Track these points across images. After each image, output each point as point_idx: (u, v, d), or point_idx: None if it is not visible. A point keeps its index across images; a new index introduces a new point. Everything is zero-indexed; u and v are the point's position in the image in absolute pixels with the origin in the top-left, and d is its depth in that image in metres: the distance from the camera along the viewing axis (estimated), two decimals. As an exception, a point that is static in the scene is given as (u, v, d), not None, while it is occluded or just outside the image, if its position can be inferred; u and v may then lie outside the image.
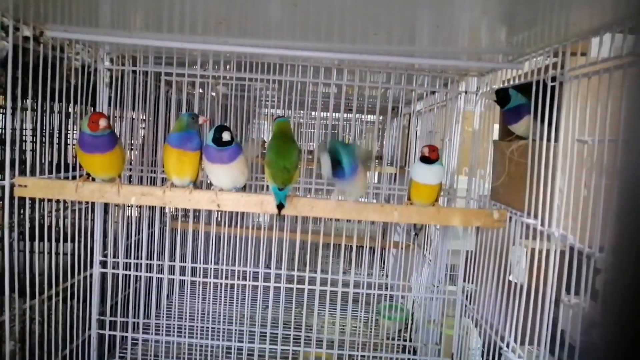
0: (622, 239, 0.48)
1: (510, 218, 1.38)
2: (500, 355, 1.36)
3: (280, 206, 1.33)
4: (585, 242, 1.01)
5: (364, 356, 1.82)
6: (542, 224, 1.19)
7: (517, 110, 1.39)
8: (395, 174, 2.45)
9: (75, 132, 1.96)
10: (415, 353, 1.93)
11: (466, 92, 1.74)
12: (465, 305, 1.71)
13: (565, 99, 1.12)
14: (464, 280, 1.71)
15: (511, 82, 1.51)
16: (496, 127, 1.67)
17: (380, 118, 3.26)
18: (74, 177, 1.57)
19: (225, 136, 1.34)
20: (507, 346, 1.31)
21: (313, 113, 3.10)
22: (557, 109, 1.15)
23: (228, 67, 1.76)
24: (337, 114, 3.16)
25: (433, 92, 1.99)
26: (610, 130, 0.96)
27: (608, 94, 0.98)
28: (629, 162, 0.48)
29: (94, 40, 1.47)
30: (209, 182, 1.44)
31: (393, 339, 2.08)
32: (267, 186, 2.20)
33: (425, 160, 1.38)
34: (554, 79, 1.17)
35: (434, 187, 1.39)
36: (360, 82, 1.77)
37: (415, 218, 1.43)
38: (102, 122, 1.30)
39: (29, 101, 1.52)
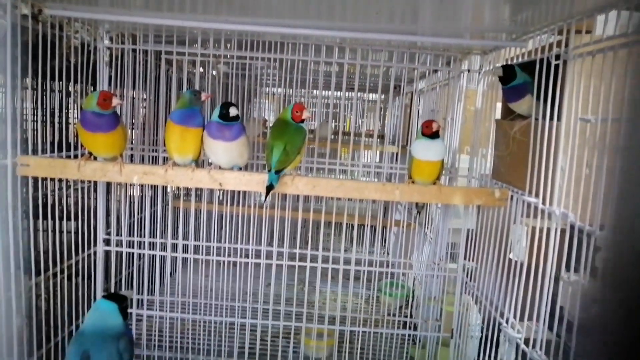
0: (622, 216, 0.48)
1: (512, 197, 1.38)
2: (499, 331, 1.38)
3: (269, 187, 1.33)
4: (586, 221, 1.02)
5: (365, 332, 1.85)
6: (544, 203, 1.20)
7: (519, 88, 1.38)
8: (397, 153, 2.45)
9: (76, 111, 1.96)
10: (415, 329, 1.96)
11: (469, 71, 1.73)
12: (466, 283, 1.73)
13: (568, 77, 1.12)
14: (465, 258, 1.72)
15: (514, 61, 1.50)
16: (499, 105, 1.66)
17: (382, 97, 3.24)
18: (75, 156, 1.57)
19: (233, 111, 1.34)
20: (507, 322, 1.33)
21: (315, 92, 3.08)
22: (560, 87, 1.14)
23: (229, 45, 1.74)
24: (338, 93, 3.15)
25: (435, 71, 1.98)
26: (613, 109, 0.96)
27: (612, 73, 0.97)
28: (632, 140, 0.48)
29: (93, 19, 1.46)
30: (210, 162, 1.44)
31: (394, 315, 2.11)
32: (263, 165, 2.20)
33: (427, 135, 1.38)
34: (557, 57, 1.16)
35: (436, 163, 1.40)
36: (362, 60, 1.76)
37: (416, 197, 1.43)
38: (115, 100, 1.30)
39: (29, 80, 1.52)
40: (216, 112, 1.37)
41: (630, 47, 0.93)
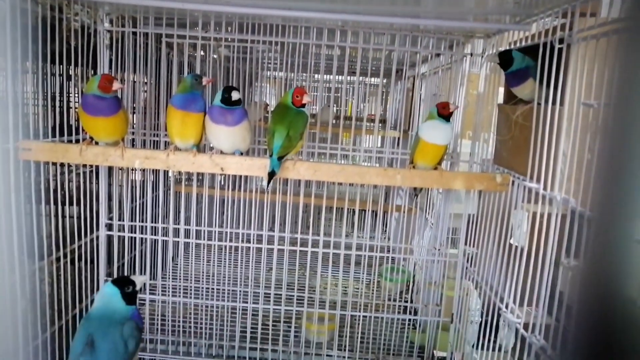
0: (601, 197, 0.48)
1: (513, 182, 1.38)
2: (499, 316, 1.39)
3: (271, 174, 1.32)
4: (587, 206, 1.02)
5: (365, 317, 1.86)
6: (545, 188, 1.20)
7: (520, 73, 1.37)
8: (399, 138, 2.44)
9: (77, 94, 1.95)
10: (416, 314, 1.98)
11: (472, 55, 1.71)
12: (466, 268, 1.74)
13: (572, 61, 1.10)
14: (466, 244, 1.73)
15: (518, 44, 1.48)
16: (501, 90, 1.65)
17: (384, 81, 3.22)
18: (77, 141, 1.57)
19: (235, 95, 1.33)
20: (506, 307, 1.34)
21: (316, 76, 3.06)
22: (563, 71, 1.13)
23: (230, 28, 1.73)
24: (340, 77, 3.13)
25: (438, 55, 1.96)
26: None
27: (616, 56, 0.96)
28: (615, 125, 0.48)
29: (93, 0, 1.44)
30: (211, 146, 1.44)
31: (394, 300, 2.13)
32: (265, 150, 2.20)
33: (443, 116, 1.38)
34: (561, 40, 1.15)
35: (442, 147, 1.39)
36: (364, 44, 1.74)
37: (417, 182, 1.43)
38: (116, 84, 1.29)
39: (29, 63, 1.51)
40: (218, 96, 1.37)
41: (620, 33, 0.92)
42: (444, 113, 1.40)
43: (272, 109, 1.57)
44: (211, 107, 1.38)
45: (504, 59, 1.38)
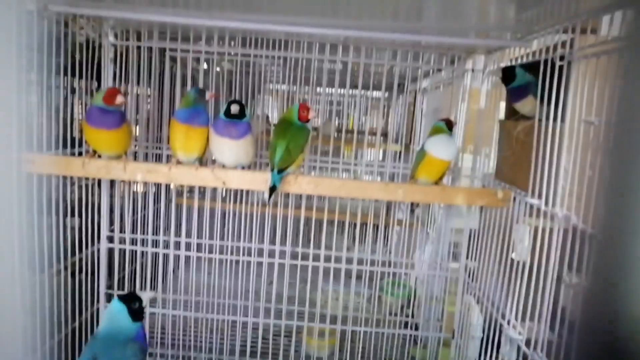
0: (604, 215, 0.49)
1: (514, 198, 1.38)
2: (500, 331, 1.38)
3: (272, 188, 1.32)
4: (589, 223, 1.02)
5: (366, 332, 1.85)
6: (546, 204, 1.20)
7: (522, 88, 1.38)
8: (400, 152, 2.45)
9: (80, 107, 1.96)
10: (417, 329, 1.96)
11: (473, 70, 1.72)
12: (468, 283, 1.73)
13: (573, 78, 1.11)
14: (467, 258, 1.72)
15: (519, 61, 1.49)
16: (502, 105, 1.66)
17: (386, 94, 3.24)
18: (80, 153, 1.58)
19: (234, 108, 1.34)
20: (508, 323, 1.33)
21: (318, 89, 3.08)
22: (564, 88, 1.14)
23: (233, 43, 1.74)
24: (342, 90, 3.14)
25: (439, 70, 1.97)
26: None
27: (617, 74, 0.97)
28: (618, 143, 0.49)
29: (98, 15, 1.46)
30: (213, 159, 1.45)
31: (395, 314, 2.12)
32: (266, 164, 2.21)
33: (450, 127, 1.39)
34: (562, 58, 1.16)
35: (448, 163, 1.40)
36: (366, 59, 1.75)
37: (419, 197, 1.43)
38: (119, 98, 1.30)
39: (33, 76, 1.52)
40: (223, 109, 1.38)
41: (624, 50, 0.92)
42: (451, 127, 1.40)
43: (273, 122, 1.58)
44: (217, 119, 1.38)
45: (507, 74, 1.39)
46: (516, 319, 1.30)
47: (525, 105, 1.38)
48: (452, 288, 1.83)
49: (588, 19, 1.10)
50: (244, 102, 2.12)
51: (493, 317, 1.46)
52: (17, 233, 1.28)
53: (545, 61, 1.23)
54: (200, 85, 1.91)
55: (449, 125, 1.41)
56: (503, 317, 1.37)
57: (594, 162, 1.01)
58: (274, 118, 3.21)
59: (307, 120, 1.39)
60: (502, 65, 1.55)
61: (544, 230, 1.18)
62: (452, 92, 1.83)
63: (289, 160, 1.33)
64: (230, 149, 1.37)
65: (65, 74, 1.51)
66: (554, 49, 1.22)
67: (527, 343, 1.22)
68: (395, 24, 1.39)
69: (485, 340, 1.51)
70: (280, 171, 1.32)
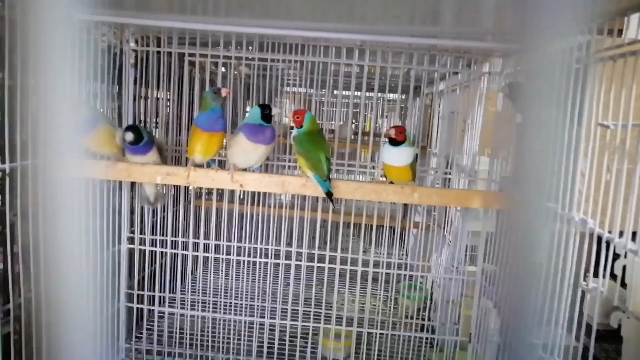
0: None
1: (531, 201, 1.37)
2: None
3: (329, 194, 1.36)
4: (605, 227, 1.01)
5: (382, 334, 1.85)
6: (563, 208, 1.19)
7: None
8: (417, 154, 2.44)
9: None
10: (433, 332, 1.96)
11: (490, 73, 1.72)
12: (485, 286, 1.72)
13: (589, 81, 1.10)
14: (484, 261, 1.71)
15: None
16: (520, 108, 1.65)
17: (403, 97, 3.23)
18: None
19: (269, 112, 1.38)
20: (525, 327, 1.32)
21: (335, 92, 3.09)
22: (581, 92, 1.13)
23: (250, 47, 1.77)
24: (358, 93, 3.15)
25: (456, 73, 1.97)
26: (634, 114, 0.95)
27: (634, 78, 0.96)
28: None
29: (119, 23, 1.50)
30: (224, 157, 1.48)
31: (412, 317, 2.11)
32: (288, 166, 2.22)
33: (392, 142, 1.38)
34: (578, 61, 1.15)
35: (404, 168, 1.39)
36: (383, 62, 1.76)
37: (435, 200, 1.44)
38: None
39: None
40: (255, 114, 1.40)
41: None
42: (386, 137, 1.39)
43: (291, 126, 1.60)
44: (246, 125, 1.40)
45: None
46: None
47: None
48: (469, 292, 1.82)
49: (605, 22, 1.09)
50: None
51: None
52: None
53: (562, 64, 1.22)
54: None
55: (386, 135, 1.39)
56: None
57: (612, 166, 1.01)
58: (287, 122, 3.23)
59: (300, 126, 1.42)
60: (520, 68, 1.54)
61: (560, 234, 1.17)
62: (468, 95, 1.82)
63: (330, 169, 1.38)
64: (258, 153, 1.41)
65: (88, 79, 1.56)
66: (571, 52, 1.21)
67: (544, 347, 1.22)
68: (412, 29, 1.39)
69: (502, 344, 1.51)
70: (330, 178, 1.36)
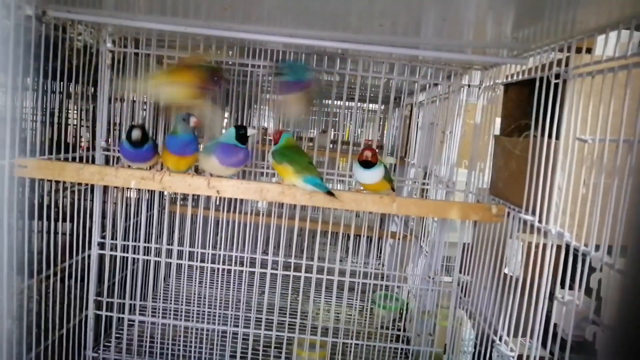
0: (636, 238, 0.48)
1: (508, 213, 1.38)
2: (492, 347, 1.37)
3: (331, 193, 1.34)
4: (582, 241, 1.02)
5: (357, 344, 1.84)
6: (540, 221, 1.20)
7: (290, 84, 1.45)
8: (395, 165, 2.45)
9: (75, 112, 1.95)
10: (408, 343, 1.95)
11: (469, 86, 1.74)
12: (460, 297, 1.72)
13: (568, 96, 1.12)
14: (460, 272, 1.72)
15: (515, 77, 1.51)
16: (498, 120, 1.67)
17: (382, 107, 3.25)
18: (73, 159, 1.57)
19: (246, 131, 1.35)
20: (500, 339, 1.33)
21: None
22: (559, 106, 1.15)
23: (231, 52, 1.74)
24: (339, 102, 3.15)
25: (436, 84, 1.99)
26: (611, 129, 0.96)
27: (611, 94, 0.98)
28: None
29: (96, 22, 1.46)
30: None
31: (387, 328, 2.10)
32: (265, 173, 2.20)
33: (364, 164, 1.38)
34: (557, 76, 1.17)
35: (377, 184, 1.41)
36: (364, 71, 1.76)
37: (414, 210, 1.43)
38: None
39: (29, 80, 1.52)
40: (231, 134, 1.36)
41: (630, 69, 0.93)
42: (359, 159, 1.39)
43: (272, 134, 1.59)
44: (220, 145, 1.36)
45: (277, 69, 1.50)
46: (508, 334, 1.30)
47: (291, 100, 1.46)
48: (444, 302, 1.83)
49: (583, 39, 1.11)
50: (240, 111, 2.13)
51: (485, 332, 1.45)
52: (7, 237, 1.27)
53: (541, 78, 1.24)
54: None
55: (359, 156, 1.40)
56: (495, 332, 1.37)
57: (588, 180, 1.02)
58: (270, 128, 3.20)
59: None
60: (498, 82, 1.56)
61: (537, 246, 1.18)
62: (448, 107, 1.84)
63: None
64: (230, 172, 1.39)
65: (62, 79, 1.51)
66: (550, 67, 1.23)
67: (519, 359, 1.22)
68: (393, 38, 1.40)
69: (477, 355, 1.51)
70: (320, 179, 1.36)
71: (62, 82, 1.64)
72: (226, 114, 2.26)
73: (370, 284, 1.89)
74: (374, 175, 1.40)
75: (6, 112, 1.26)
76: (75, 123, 1.90)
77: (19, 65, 1.25)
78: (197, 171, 1.51)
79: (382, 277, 2.54)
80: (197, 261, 1.85)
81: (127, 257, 1.81)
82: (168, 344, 1.83)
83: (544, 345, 1.15)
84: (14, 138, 1.29)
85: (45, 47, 1.37)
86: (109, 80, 1.69)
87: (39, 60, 1.36)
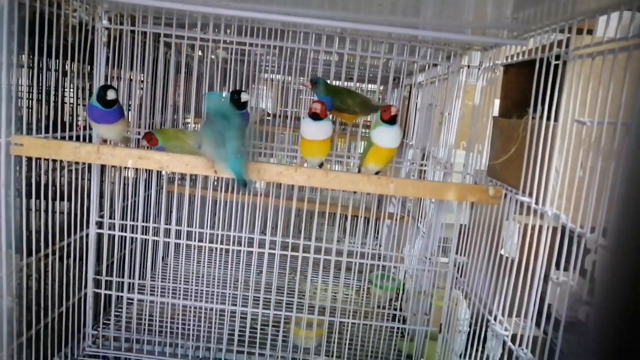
0: (625, 223, 0.48)
1: (505, 195, 1.39)
2: (487, 326, 1.39)
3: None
4: (577, 222, 1.03)
5: (354, 323, 1.86)
6: (537, 203, 1.20)
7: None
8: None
9: (72, 90, 1.94)
10: (404, 322, 1.98)
11: (469, 67, 1.72)
12: (456, 278, 1.74)
13: (567, 78, 1.11)
14: (456, 253, 1.73)
15: (515, 58, 1.49)
16: (497, 102, 1.66)
17: (381, 88, 3.23)
18: (70, 137, 1.56)
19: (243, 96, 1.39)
20: (495, 319, 1.34)
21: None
22: (559, 88, 1.14)
23: (229, 31, 1.72)
24: (337, 82, 3.13)
25: (435, 65, 1.97)
26: (610, 112, 0.96)
27: (611, 76, 0.97)
28: (636, 146, 0.48)
29: (92, -2, 1.44)
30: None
31: (384, 307, 2.13)
32: (264, 154, 2.20)
33: (389, 121, 1.36)
34: (557, 57, 1.16)
35: (394, 150, 1.39)
36: (363, 51, 1.75)
37: (410, 191, 1.44)
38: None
39: (24, 57, 1.50)
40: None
41: (630, 51, 0.93)
42: (385, 117, 1.37)
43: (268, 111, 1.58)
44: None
45: None
46: (503, 315, 1.32)
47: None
48: (440, 283, 1.84)
49: (584, 20, 1.10)
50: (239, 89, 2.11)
51: (480, 312, 1.47)
52: (5, 216, 1.27)
53: (541, 60, 1.23)
54: (194, 72, 1.89)
55: (385, 113, 1.37)
56: (490, 312, 1.39)
57: (585, 162, 1.02)
58: (268, 107, 3.19)
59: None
60: (498, 62, 1.55)
61: (533, 228, 1.19)
62: (447, 88, 1.83)
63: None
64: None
65: (57, 56, 1.49)
66: (550, 48, 1.22)
67: (513, 339, 1.24)
68: (393, 18, 1.38)
69: (471, 335, 1.53)
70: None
71: (57, 60, 1.62)
72: (224, 94, 2.24)
73: (367, 264, 1.91)
74: (397, 135, 1.37)
75: (1, 90, 1.25)
76: (71, 102, 1.89)
77: (13, 41, 1.24)
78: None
79: (379, 258, 2.56)
80: (195, 241, 1.86)
81: (125, 237, 1.81)
82: (167, 322, 1.85)
83: (537, 325, 1.17)
84: (10, 116, 1.28)
85: (40, 24, 1.35)
86: (105, 58, 1.67)
87: (33, 37, 1.34)
